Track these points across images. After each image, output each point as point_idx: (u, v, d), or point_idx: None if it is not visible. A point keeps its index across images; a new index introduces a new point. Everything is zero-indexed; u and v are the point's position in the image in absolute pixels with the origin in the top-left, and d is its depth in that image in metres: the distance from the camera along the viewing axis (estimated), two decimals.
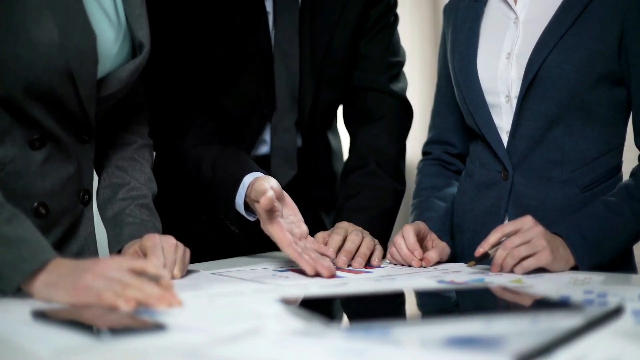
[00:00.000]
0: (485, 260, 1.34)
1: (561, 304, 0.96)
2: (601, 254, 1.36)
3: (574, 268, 1.34)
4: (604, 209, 1.38)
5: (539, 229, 1.31)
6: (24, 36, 1.12)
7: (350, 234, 1.47)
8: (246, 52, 1.63)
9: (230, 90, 1.65)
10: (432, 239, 1.50)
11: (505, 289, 1.10)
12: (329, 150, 1.84)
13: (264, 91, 1.65)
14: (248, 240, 1.58)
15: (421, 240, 1.47)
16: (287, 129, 1.68)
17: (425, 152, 1.75)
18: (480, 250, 1.33)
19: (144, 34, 1.31)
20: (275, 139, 1.67)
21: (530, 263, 1.28)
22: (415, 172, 1.77)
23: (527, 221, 1.32)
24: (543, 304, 0.98)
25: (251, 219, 1.49)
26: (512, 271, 1.29)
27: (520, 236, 1.30)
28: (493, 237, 1.33)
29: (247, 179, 1.46)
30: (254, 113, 1.66)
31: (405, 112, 1.79)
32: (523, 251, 1.29)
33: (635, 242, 1.44)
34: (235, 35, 1.62)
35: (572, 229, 1.35)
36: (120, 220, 1.33)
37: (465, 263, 1.46)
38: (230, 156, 1.54)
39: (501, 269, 1.30)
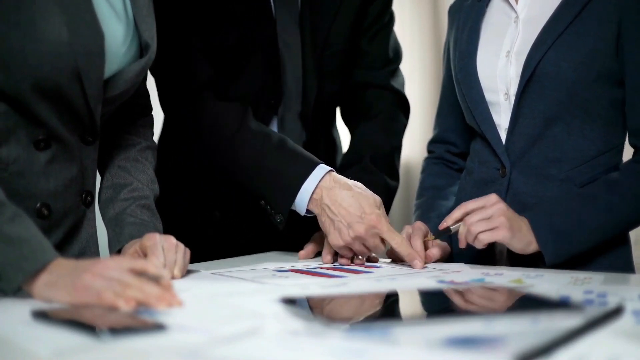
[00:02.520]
0: (446, 235, 1.41)
1: (561, 304, 0.96)
2: (569, 243, 1.37)
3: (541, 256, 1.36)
4: (578, 199, 1.40)
5: (500, 206, 1.35)
6: (32, 33, 1.12)
7: None
8: (252, 40, 1.63)
9: (237, 80, 1.65)
10: (432, 239, 1.51)
11: (501, 289, 1.10)
12: (333, 145, 1.85)
13: (271, 79, 1.65)
14: (288, 233, 1.57)
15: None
16: (293, 121, 1.68)
17: (429, 151, 1.77)
18: (443, 225, 1.40)
19: (150, 35, 1.31)
20: (282, 131, 1.68)
21: (485, 236, 1.34)
22: (416, 171, 1.78)
23: (491, 198, 1.36)
24: (543, 304, 0.97)
25: (304, 214, 1.49)
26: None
27: (481, 213, 1.35)
28: (456, 213, 1.39)
29: (319, 171, 1.47)
30: (261, 102, 1.66)
31: (402, 108, 1.81)
32: (481, 226, 1.34)
33: (608, 235, 1.43)
34: (241, 24, 1.62)
35: (538, 213, 1.39)
36: (120, 220, 1.33)
37: (465, 262, 1.46)
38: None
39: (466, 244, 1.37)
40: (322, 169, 1.47)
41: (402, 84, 1.82)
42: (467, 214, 1.37)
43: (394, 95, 1.79)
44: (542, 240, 1.36)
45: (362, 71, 1.77)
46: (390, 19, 1.80)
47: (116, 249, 1.31)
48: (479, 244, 1.35)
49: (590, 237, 1.40)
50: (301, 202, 1.47)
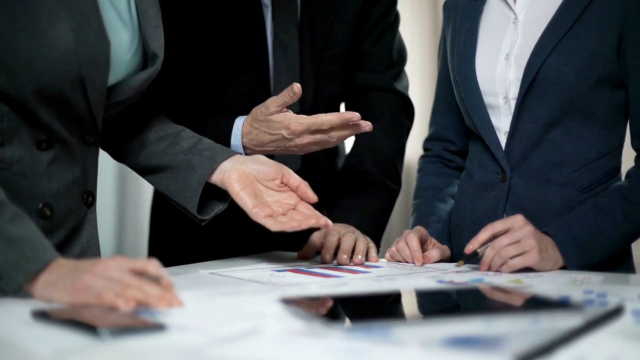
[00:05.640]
0: (475, 259, 1.35)
1: (561, 304, 0.96)
2: (590, 255, 1.36)
3: (563, 268, 1.34)
4: (595, 210, 1.39)
5: (529, 229, 1.31)
6: (38, 38, 1.12)
7: (343, 236, 1.48)
8: (242, 47, 1.63)
9: (227, 86, 1.65)
10: (433, 242, 1.50)
11: (502, 289, 1.10)
12: (334, 148, 1.84)
13: (260, 85, 1.65)
14: (287, 234, 1.57)
15: (422, 244, 1.47)
16: None
17: (425, 149, 1.75)
18: (470, 248, 1.33)
19: (158, 46, 1.30)
20: None
21: (516, 262, 1.29)
22: (415, 172, 1.77)
23: (518, 220, 1.32)
24: (543, 304, 0.98)
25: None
26: (499, 270, 1.30)
27: (510, 236, 1.30)
28: (483, 236, 1.33)
29: (239, 120, 1.50)
30: (252, 103, 1.66)
31: (405, 111, 1.80)
32: (511, 251, 1.29)
33: (626, 244, 1.44)
34: (231, 30, 1.62)
35: (561, 229, 1.36)
36: (204, 145, 1.36)
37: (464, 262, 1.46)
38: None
39: (489, 268, 1.31)
40: (240, 119, 1.51)
41: (406, 87, 1.81)
42: (494, 236, 1.32)
43: (397, 98, 1.78)
44: (567, 255, 1.34)
45: (365, 74, 1.76)
46: (394, 20, 1.79)
47: (208, 169, 1.33)
48: (508, 269, 1.29)
49: (610, 246, 1.39)
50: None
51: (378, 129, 1.75)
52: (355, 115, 1.40)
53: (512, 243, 1.30)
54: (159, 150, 1.39)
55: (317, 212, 1.34)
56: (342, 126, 1.42)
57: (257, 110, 1.46)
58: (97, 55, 1.18)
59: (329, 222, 1.32)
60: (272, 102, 1.43)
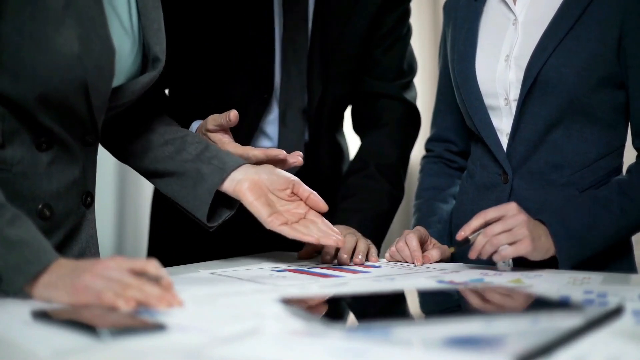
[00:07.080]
0: (466, 245, 1.34)
1: (561, 304, 0.96)
2: (583, 247, 1.35)
3: (554, 258, 1.33)
4: (592, 202, 1.38)
5: (522, 217, 1.30)
6: (44, 44, 1.11)
7: (345, 237, 1.48)
8: (246, 38, 1.63)
9: (228, 80, 1.66)
10: (433, 243, 1.50)
11: (502, 289, 1.10)
12: (338, 151, 1.84)
13: (263, 81, 1.65)
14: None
15: (422, 244, 1.47)
16: (295, 117, 1.68)
17: (427, 149, 1.76)
18: (461, 234, 1.33)
19: (160, 49, 1.30)
20: (283, 129, 1.68)
21: (508, 252, 1.29)
22: (416, 172, 1.77)
23: (511, 208, 1.31)
24: (543, 304, 0.98)
25: None
26: (490, 258, 1.30)
27: (502, 224, 1.29)
28: (475, 222, 1.32)
29: (195, 124, 1.51)
30: (253, 96, 1.65)
31: (412, 121, 1.81)
32: (503, 239, 1.28)
33: (621, 239, 1.43)
34: (236, 20, 1.63)
35: (556, 218, 1.35)
36: (212, 153, 1.36)
37: (464, 263, 1.46)
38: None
39: (479, 255, 1.30)
40: (196, 123, 1.52)
41: (414, 97, 1.82)
42: (486, 223, 1.31)
43: (405, 106, 1.79)
44: (560, 245, 1.33)
45: (374, 81, 1.77)
46: (407, 31, 1.80)
47: (221, 177, 1.33)
48: (500, 258, 1.29)
49: (604, 240, 1.39)
50: None
51: (384, 136, 1.76)
52: (280, 153, 1.40)
53: (504, 231, 1.29)
54: (165, 155, 1.39)
55: (331, 226, 1.37)
56: (269, 161, 1.41)
57: (204, 122, 1.47)
58: (102, 62, 1.17)
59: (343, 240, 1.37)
60: (212, 120, 1.44)
